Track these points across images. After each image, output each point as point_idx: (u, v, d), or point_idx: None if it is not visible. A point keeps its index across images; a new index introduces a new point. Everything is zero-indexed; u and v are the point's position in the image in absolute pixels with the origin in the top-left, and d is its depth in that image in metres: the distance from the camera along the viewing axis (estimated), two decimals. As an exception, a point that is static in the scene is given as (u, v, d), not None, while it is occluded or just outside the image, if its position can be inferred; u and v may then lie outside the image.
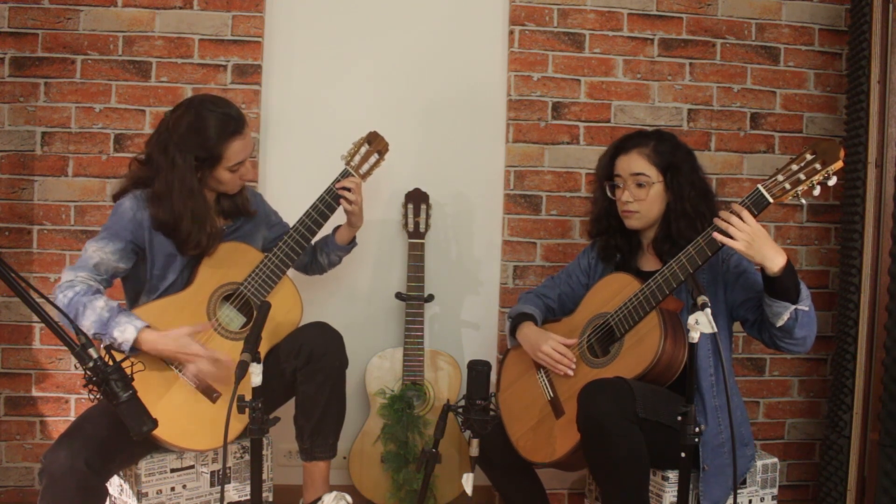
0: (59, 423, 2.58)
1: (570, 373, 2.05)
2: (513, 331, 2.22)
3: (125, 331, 1.86)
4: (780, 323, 1.85)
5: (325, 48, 2.72)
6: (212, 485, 2.04)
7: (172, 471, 1.98)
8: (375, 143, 2.25)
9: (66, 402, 2.60)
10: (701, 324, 1.60)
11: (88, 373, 1.48)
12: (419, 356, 2.60)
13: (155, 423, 1.52)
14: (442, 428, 1.84)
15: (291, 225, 2.16)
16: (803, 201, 1.76)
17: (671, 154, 2.06)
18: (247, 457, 2.04)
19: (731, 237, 1.79)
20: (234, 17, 2.62)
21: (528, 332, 2.16)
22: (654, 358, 1.90)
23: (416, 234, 2.64)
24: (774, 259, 1.78)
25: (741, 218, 1.79)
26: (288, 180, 2.70)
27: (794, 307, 1.82)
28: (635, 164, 2.07)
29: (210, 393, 1.97)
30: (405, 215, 2.66)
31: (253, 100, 2.63)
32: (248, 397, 1.70)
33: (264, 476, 1.95)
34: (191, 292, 2.03)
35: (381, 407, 2.57)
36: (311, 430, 2.07)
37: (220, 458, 2.03)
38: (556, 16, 2.73)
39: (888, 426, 2.32)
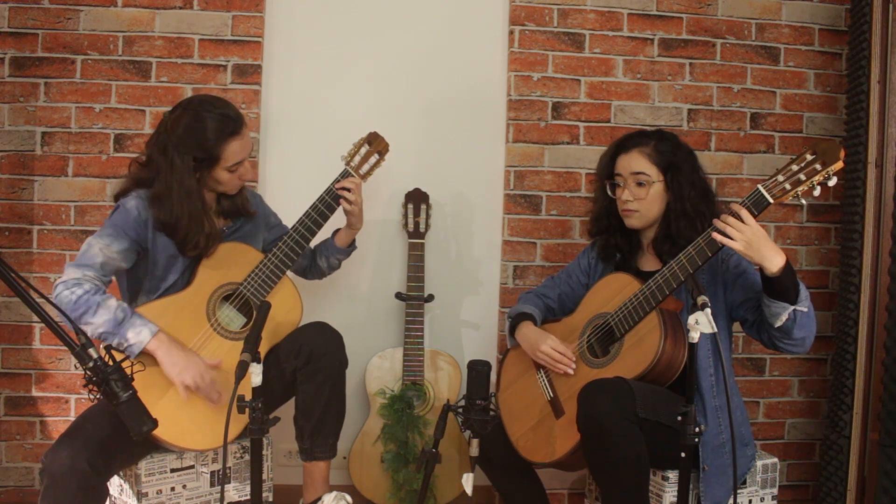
0: (59, 423, 2.58)
1: (570, 371, 2.05)
2: (512, 331, 2.22)
3: (140, 332, 1.87)
4: (778, 323, 1.85)
5: (325, 48, 2.72)
6: (212, 485, 2.04)
7: (172, 471, 1.98)
8: (376, 144, 2.25)
9: (66, 402, 2.60)
10: (701, 324, 1.60)
11: (88, 373, 1.48)
12: (419, 356, 2.60)
13: (155, 423, 1.52)
14: (442, 428, 1.84)
15: (291, 226, 2.16)
16: (803, 201, 1.76)
17: (672, 154, 2.06)
18: (247, 457, 2.04)
19: (730, 237, 1.79)
20: (234, 17, 2.62)
21: (527, 331, 2.16)
22: (654, 358, 1.90)
23: (416, 234, 2.64)
24: (773, 259, 1.78)
25: (740, 218, 1.79)
26: (288, 180, 2.70)
27: (792, 308, 1.82)
28: (636, 163, 2.07)
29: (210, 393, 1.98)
30: (405, 215, 2.66)
31: (253, 100, 2.63)
32: (248, 397, 1.70)
33: (264, 476, 1.95)
34: (191, 292, 2.03)
35: (381, 407, 2.57)
36: (311, 430, 2.07)
37: (220, 458, 2.03)
38: (556, 16, 2.73)
39: (888, 426, 2.32)
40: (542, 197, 2.76)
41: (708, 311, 1.60)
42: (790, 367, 2.86)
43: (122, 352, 1.87)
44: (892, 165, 2.46)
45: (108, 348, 1.52)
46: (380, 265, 2.77)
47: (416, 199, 2.66)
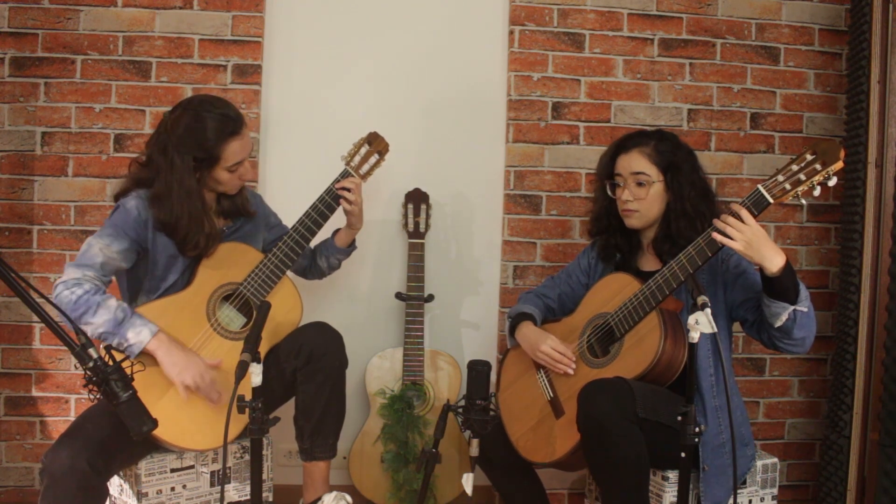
0: (59, 423, 2.58)
1: (571, 371, 2.05)
2: (512, 331, 2.22)
3: (140, 332, 1.87)
4: (778, 323, 1.85)
5: (325, 48, 2.72)
6: (212, 485, 2.04)
7: (172, 471, 1.98)
8: (376, 144, 2.25)
9: (66, 402, 2.60)
10: (701, 324, 1.60)
11: (88, 373, 1.48)
12: (419, 356, 2.60)
13: (155, 423, 1.52)
14: (442, 428, 1.84)
15: (291, 226, 2.16)
16: (803, 202, 1.76)
17: (672, 154, 2.06)
18: (247, 457, 2.04)
19: (730, 237, 1.79)
20: (234, 17, 2.62)
21: (527, 331, 2.16)
22: (654, 358, 1.90)
23: (416, 234, 2.64)
24: (773, 259, 1.78)
25: (740, 218, 1.79)
26: (288, 180, 2.70)
27: (792, 308, 1.82)
28: (636, 163, 2.07)
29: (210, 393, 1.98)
30: (405, 215, 2.66)
31: (253, 100, 2.63)
32: (248, 397, 1.70)
33: (264, 476, 1.95)
34: (191, 292, 2.03)
35: (381, 407, 2.57)
36: (311, 430, 2.07)
37: (220, 458, 2.03)
38: (556, 16, 2.73)
39: (888, 426, 2.32)
40: (542, 197, 2.76)
41: (708, 311, 1.60)
42: (790, 367, 2.86)
43: (122, 352, 1.87)
44: (892, 165, 2.46)
45: (109, 348, 1.52)
46: (380, 265, 2.77)
47: (416, 199, 2.66)
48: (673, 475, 1.98)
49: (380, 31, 2.74)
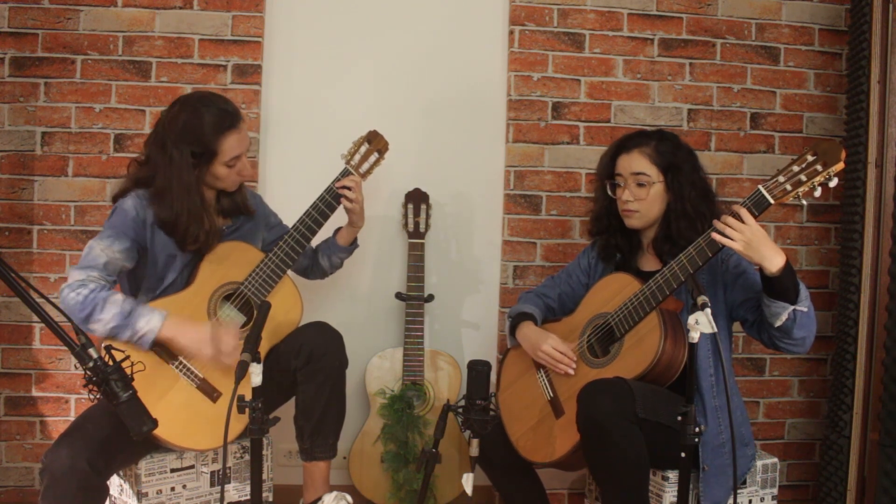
0: (59, 423, 2.58)
1: (571, 371, 2.05)
2: (512, 330, 2.22)
3: (150, 320, 1.88)
4: (778, 323, 1.85)
5: (325, 48, 2.72)
6: (212, 485, 2.04)
7: (172, 471, 1.98)
8: (375, 142, 2.25)
9: (66, 402, 2.60)
10: (701, 324, 1.60)
11: (88, 373, 1.48)
12: (419, 356, 2.60)
13: (155, 423, 1.52)
14: (442, 428, 1.84)
15: (291, 225, 2.16)
16: (804, 202, 1.76)
17: (672, 154, 2.06)
18: (247, 457, 2.04)
19: (729, 238, 1.79)
20: (234, 17, 2.62)
21: (527, 331, 2.16)
22: (654, 358, 1.90)
23: (416, 234, 2.64)
24: (773, 259, 1.78)
25: (740, 218, 1.79)
26: (288, 180, 2.70)
27: (792, 308, 1.82)
28: (636, 163, 2.07)
29: (210, 392, 1.98)
30: (405, 215, 2.66)
31: (253, 100, 2.63)
32: (248, 397, 1.70)
33: (264, 476, 1.95)
34: (191, 292, 2.03)
35: (381, 407, 2.57)
36: (311, 430, 2.07)
37: (220, 458, 2.03)
38: (556, 16, 2.73)
39: (888, 426, 2.32)
40: (542, 197, 2.75)
41: (708, 311, 1.60)
42: (790, 367, 2.87)
43: (136, 343, 1.88)
44: (892, 165, 2.47)
45: (109, 348, 1.52)
46: (380, 265, 2.77)
47: (416, 198, 2.66)
48: (673, 475, 1.99)
49: (380, 31, 2.74)
